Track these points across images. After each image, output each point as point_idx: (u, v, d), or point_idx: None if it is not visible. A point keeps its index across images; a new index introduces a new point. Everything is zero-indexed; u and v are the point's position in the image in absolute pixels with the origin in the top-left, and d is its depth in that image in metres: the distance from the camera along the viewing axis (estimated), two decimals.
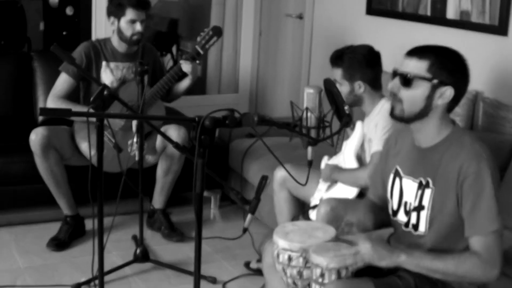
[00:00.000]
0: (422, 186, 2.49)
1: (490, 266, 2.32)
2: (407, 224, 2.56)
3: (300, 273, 2.49)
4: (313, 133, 2.53)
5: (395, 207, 2.62)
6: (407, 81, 2.39)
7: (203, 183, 2.26)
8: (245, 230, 2.66)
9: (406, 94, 2.41)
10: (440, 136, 2.47)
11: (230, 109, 2.16)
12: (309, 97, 2.56)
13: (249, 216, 2.64)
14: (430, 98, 2.39)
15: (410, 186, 2.54)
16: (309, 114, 2.50)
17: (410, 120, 2.46)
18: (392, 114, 2.49)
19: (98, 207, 2.77)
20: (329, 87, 2.42)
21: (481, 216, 2.33)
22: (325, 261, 2.37)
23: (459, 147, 2.40)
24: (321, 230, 2.60)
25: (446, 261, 2.35)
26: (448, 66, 2.39)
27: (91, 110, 2.79)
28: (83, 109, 3.99)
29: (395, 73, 2.46)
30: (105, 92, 2.75)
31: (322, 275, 2.38)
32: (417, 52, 2.43)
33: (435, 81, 2.37)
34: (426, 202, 2.47)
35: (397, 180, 2.60)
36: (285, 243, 2.50)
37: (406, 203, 2.56)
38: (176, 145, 2.57)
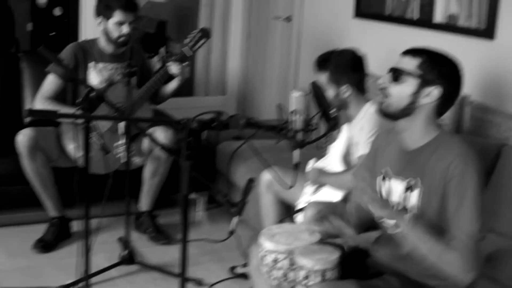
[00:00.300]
0: (410, 187, 2.50)
1: (467, 268, 2.32)
2: (395, 225, 2.56)
3: (285, 275, 2.50)
4: (299, 136, 2.53)
5: None
6: (397, 76, 2.43)
7: (190, 185, 2.26)
8: (231, 232, 2.66)
9: (394, 89, 2.44)
10: (426, 138, 2.48)
11: (217, 112, 2.16)
12: (296, 100, 2.56)
13: (235, 218, 2.64)
14: (416, 95, 2.41)
15: (398, 187, 2.55)
16: (296, 117, 2.51)
17: (395, 116, 2.47)
18: (379, 109, 2.50)
19: (85, 208, 2.76)
20: (316, 90, 2.43)
21: (464, 218, 2.34)
22: (310, 263, 2.39)
23: (447, 148, 2.42)
24: (307, 232, 2.62)
25: (437, 241, 2.33)
26: (439, 67, 2.41)
27: (78, 112, 2.78)
28: (71, 110, 3.98)
29: (389, 70, 2.50)
30: (92, 94, 2.74)
31: (306, 277, 2.40)
32: (412, 50, 2.47)
33: (423, 78, 2.40)
34: (413, 202, 2.48)
35: (385, 181, 2.61)
36: (271, 245, 2.51)
37: (395, 203, 2.57)
38: (162, 146, 2.57)
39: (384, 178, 2.62)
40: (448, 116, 3.89)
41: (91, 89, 2.78)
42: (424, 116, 2.45)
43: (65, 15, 7.13)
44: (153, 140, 2.67)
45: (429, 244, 2.35)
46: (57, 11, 7.13)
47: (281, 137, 2.46)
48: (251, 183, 2.60)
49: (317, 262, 2.38)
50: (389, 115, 2.48)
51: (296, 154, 2.64)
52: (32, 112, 2.19)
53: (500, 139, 3.65)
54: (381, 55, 4.44)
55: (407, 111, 2.44)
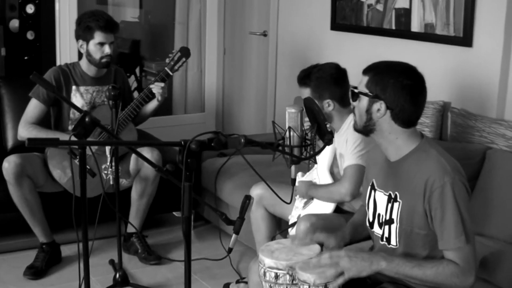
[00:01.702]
0: (391, 200, 2.55)
1: (466, 275, 2.38)
2: (382, 238, 2.60)
3: None
4: (296, 152, 2.56)
5: (371, 219, 2.68)
6: (353, 95, 2.53)
7: (190, 206, 2.27)
8: (230, 250, 2.69)
9: (356, 107, 2.54)
10: (405, 150, 2.52)
11: (215, 132, 2.19)
12: (290, 116, 2.60)
13: (234, 236, 2.67)
14: (369, 112, 2.49)
15: (381, 199, 2.60)
16: (291, 133, 2.54)
17: (362, 132, 2.55)
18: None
19: (83, 233, 2.76)
20: (310, 105, 2.46)
21: (449, 232, 2.38)
22: (312, 278, 2.40)
23: (425, 161, 2.46)
24: (306, 247, 2.64)
25: (425, 269, 2.39)
26: (381, 82, 2.46)
27: (73, 138, 2.79)
28: (64, 136, 3.97)
29: None
30: (87, 119, 2.75)
31: None
32: (365, 68, 2.55)
33: (370, 95, 2.47)
34: (394, 215, 2.53)
35: (373, 192, 2.66)
36: (271, 261, 2.53)
37: (379, 215, 2.62)
38: (158, 168, 2.58)
39: (372, 189, 2.67)
40: (430, 124, 3.96)
41: (85, 114, 2.78)
42: (388, 130, 2.50)
43: (37, 39, 7.10)
44: (148, 162, 2.67)
45: (418, 271, 2.39)
46: (29, 35, 7.10)
47: (278, 153, 2.48)
48: (247, 200, 2.63)
49: (319, 276, 2.40)
50: (358, 131, 2.57)
51: (293, 169, 2.68)
52: (32, 141, 2.18)
53: (483, 143, 3.72)
54: (359, 67, 4.47)
55: (369, 127, 2.51)
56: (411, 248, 2.51)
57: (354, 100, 2.53)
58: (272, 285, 2.54)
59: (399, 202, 2.50)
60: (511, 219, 3.38)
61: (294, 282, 2.50)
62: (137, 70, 7.41)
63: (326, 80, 3.45)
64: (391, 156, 2.55)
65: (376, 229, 2.64)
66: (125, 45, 7.26)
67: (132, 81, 7.15)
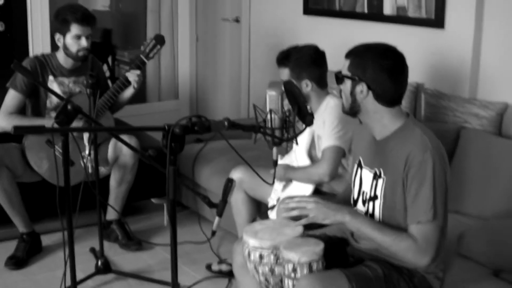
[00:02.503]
0: (376, 177, 2.60)
1: (422, 253, 2.44)
2: (366, 214, 2.66)
3: (272, 270, 2.57)
4: (277, 134, 2.60)
5: (355, 196, 2.74)
6: (337, 79, 2.61)
7: (175, 190, 2.30)
8: (213, 232, 2.71)
9: (342, 91, 2.62)
10: (391, 128, 2.58)
11: (198, 115, 2.21)
12: (271, 99, 2.64)
13: (217, 219, 2.69)
14: (353, 94, 2.57)
15: (367, 176, 2.67)
16: (272, 115, 2.58)
17: (349, 113, 2.63)
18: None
19: (67, 222, 2.77)
20: (290, 88, 2.50)
21: (419, 205, 2.45)
22: (296, 256, 2.46)
23: (409, 138, 2.52)
24: (289, 227, 2.68)
25: (384, 234, 2.48)
26: (361, 65, 2.54)
27: (55, 125, 2.80)
28: (47, 122, 3.97)
29: None
30: (69, 107, 2.76)
31: (294, 270, 2.46)
32: (348, 52, 2.62)
33: (352, 78, 2.55)
34: (379, 192, 2.59)
35: (359, 170, 2.73)
36: (255, 241, 2.58)
37: (363, 192, 2.68)
38: (141, 154, 2.61)
39: (358, 167, 2.72)
40: (404, 105, 4.01)
41: (67, 101, 2.80)
42: (373, 110, 2.57)
43: (8, 30, 7.05)
44: (128, 145, 2.69)
45: (377, 235, 2.49)
46: (0, 26, 7.05)
47: (261, 135, 2.52)
48: (230, 183, 2.66)
49: (303, 255, 2.45)
50: (346, 113, 2.65)
51: (275, 151, 2.72)
52: (17, 129, 2.20)
53: (457, 123, 3.78)
54: (333, 51, 4.52)
55: (355, 108, 2.60)
56: (395, 223, 2.56)
57: (339, 83, 2.61)
58: (256, 265, 2.58)
59: (383, 178, 2.57)
60: (485, 196, 3.45)
61: (278, 261, 2.55)
62: (109, 59, 7.40)
63: (305, 60, 3.49)
64: (377, 135, 2.63)
65: (360, 207, 2.70)
66: (97, 34, 7.23)
67: (105, 70, 7.14)
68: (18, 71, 2.85)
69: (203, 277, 3.94)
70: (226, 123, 2.18)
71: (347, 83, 2.57)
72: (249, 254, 2.60)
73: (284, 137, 2.61)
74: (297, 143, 3.31)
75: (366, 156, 2.70)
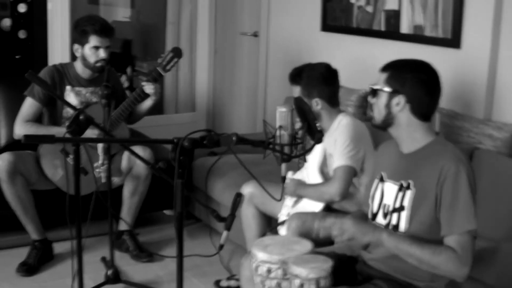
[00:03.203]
0: (402, 188, 2.62)
1: (462, 263, 2.43)
2: (387, 226, 2.66)
3: (279, 285, 2.57)
4: (286, 150, 2.61)
5: (375, 210, 2.74)
6: (372, 91, 2.66)
7: (183, 203, 2.32)
8: (221, 246, 2.73)
9: (374, 104, 2.66)
10: (419, 143, 2.62)
11: (207, 130, 2.23)
12: (281, 115, 2.66)
13: (225, 233, 2.71)
14: (388, 106, 2.61)
15: (390, 189, 2.68)
16: (282, 132, 2.59)
17: (381, 127, 2.67)
18: (370, 123, 2.72)
19: (76, 231, 2.80)
20: (300, 105, 2.52)
21: (458, 215, 2.46)
22: (304, 272, 2.46)
23: (441, 152, 2.56)
24: (298, 243, 2.70)
25: (423, 248, 2.46)
26: (400, 77, 2.59)
27: (67, 135, 2.83)
28: (59, 131, 4.00)
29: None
30: (81, 117, 2.79)
31: (301, 285, 2.46)
32: (384, 66, 2.67)
33: (390, 90, 2.59)
34: (406, 203, 2.59)
35: (380, 184, 2.74)
36: (264, 255, 2.58)
37: (385, 205, 2.68)
38: (152, 166, 2.63)
39: (379, 182, 2.75)
40: None
41: (80, 111, 2.83)
42: (406, 123, 2.61)
43: (30, 38, 7.12)
44: (143, 160, 2.72)
45: (416, 249, 2.47)
46: (21, 34, 7.12)
47: (268, 152, 2.53)
48: (239, 198, 2.67)
49: (311, 271, 2.45)
50: (376, 127, 2.69)
51: (284, 167, 2.73)
52: (28, 137, 2.22)
53: (471, 144, 3.77)
54: (350, 68, 4.55)
55: (388, 121, 2.63)
56: (419, 235, 2.56)
57: (373, 97, 2.65)
58: (263, 279, 2.59)
59: (412, 190, 2.58)
60: (497, 218, 3.43)
61: (285, 276, 2.55)
62: (129, 70, 7.44)
63: (316, 78, 3.51)
64: (406, 148, 2.66)
65: (380, 220, 2.70)
66: (117, 45, 7.29)
67: (124, 81, 7.19)
68: (32, 80, 2.89)
69: None
70: (234, 138, 2.19)
71: (382, 96, 2.62)
72: (256, 268, 2.60)
73: (293, 154, 2.61)
74: (305, 160, 3.32)
75: (390, 170, 2.72)
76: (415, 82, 2.58)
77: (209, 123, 6.48)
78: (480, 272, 3.00)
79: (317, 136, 2.45)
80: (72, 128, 2.79)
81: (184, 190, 2.33)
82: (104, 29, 4.20)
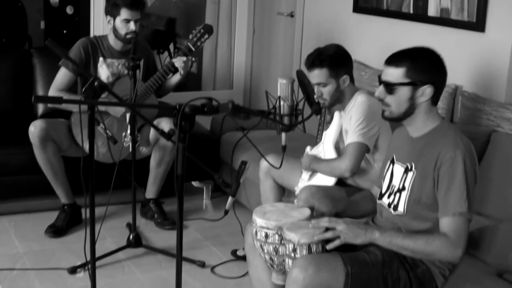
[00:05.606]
0: (406, 170, 2.72)
1: (455, 246, 2.52)
2: (389, 205, 2.76)
3: (276, 250, 2.69)
4: (286, 120, 2.71)
5: (384, 190, 2.84)
6: (390, 89, 2.65)
7: (183, 165, 2.44)
8: (226, 212, 2.86)
9: (391, 99, 2.67)
10: (427, 127, 2.70)
11: (208, 98, 2.35)
12: (282, 87, 2.75)
13: (230, 198, 2.83)
14: (412, 98, 2.65)
15: (398, 171, 2.78)
16: (282, 102, 2.69)
17: (399, 119, 2.72)
18: (383, 116, 2.73)
19: (90, 195, 2.94)
20: (301, 77, 2.61)
21: (452, 198, 2.54)
22: (296, 237, 2.57)
23: (442, 137, 2.64)
24: (297, 211, 2.81)
25: (416, 240, 2.56)
26: (423, 67, 2.63)
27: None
28: (76, 98, 4.18)
29: (379, 80, 2.71)
30: (96, 83, 2.93)
31: (294, 250, 2.58)
32: (393, 60, 2.68)
33: (414, 83, 2.62)
34: (407, 184, 2.69)
35: (391, 166, 2.84)
36: (262, 221, 2.70)
37: (393, 186, 2.79)
38: (161, 132, 2.76)
39: (390, 163, 2.85)
40: (441, 107, 4.06)
41: (94, 78, 2.97)
42: (424, 110, 2.68)
43: (76, 14, 7.34)
44: (155, 127, 2.85)
45: (409, 242, 2.57)
46: (69, 10, 7.34)
47: (269, 121, 2.63)
48: (243, 165, 2.79)
49: (303, 236, 2.56)
50: (394, 120, 2.73)
51: (284, 137, 2.83)
52: (38, 98, 2.37)
53: (490, 126, 3.81)
54: (379, 49, 4.60)
55: (408, 112, 2.68)
56: (416, 216, 2.67)
57: (390, 93, 2.65)
58: (262, 244, 2.71)
59: (413, 172, 2.67)
60: (508, 199, 3.47)
61: (282, 242, 2.67)
62: (171, 47, 7.60)
63: (342, 57, 3.58)
64: (415, 133, 2.74)
65: (384, 199, 2.81)
66: (160, 23, 7.45)
67: (166, 57, 7.34)
68: (52, 48, 3.02)
69: (229, 258, 4.08)
70: (230, 105, 2.30)
71: (403, 90, 2.63)
72: (256, 233, 2.73)
73: (293, 123, 2.72)
74: (304, 131, 3.41)
75: (399, 152, 2.82)
76: (437, 69, 2.64)
77: (245, 101, 6.58)
78: (477, 249, 3.07)
79: (314, 107, 2.55)
80: (87, 93, 2.94)
81: (186, 153, 2.44)
82: (135, 2, 4.33)
